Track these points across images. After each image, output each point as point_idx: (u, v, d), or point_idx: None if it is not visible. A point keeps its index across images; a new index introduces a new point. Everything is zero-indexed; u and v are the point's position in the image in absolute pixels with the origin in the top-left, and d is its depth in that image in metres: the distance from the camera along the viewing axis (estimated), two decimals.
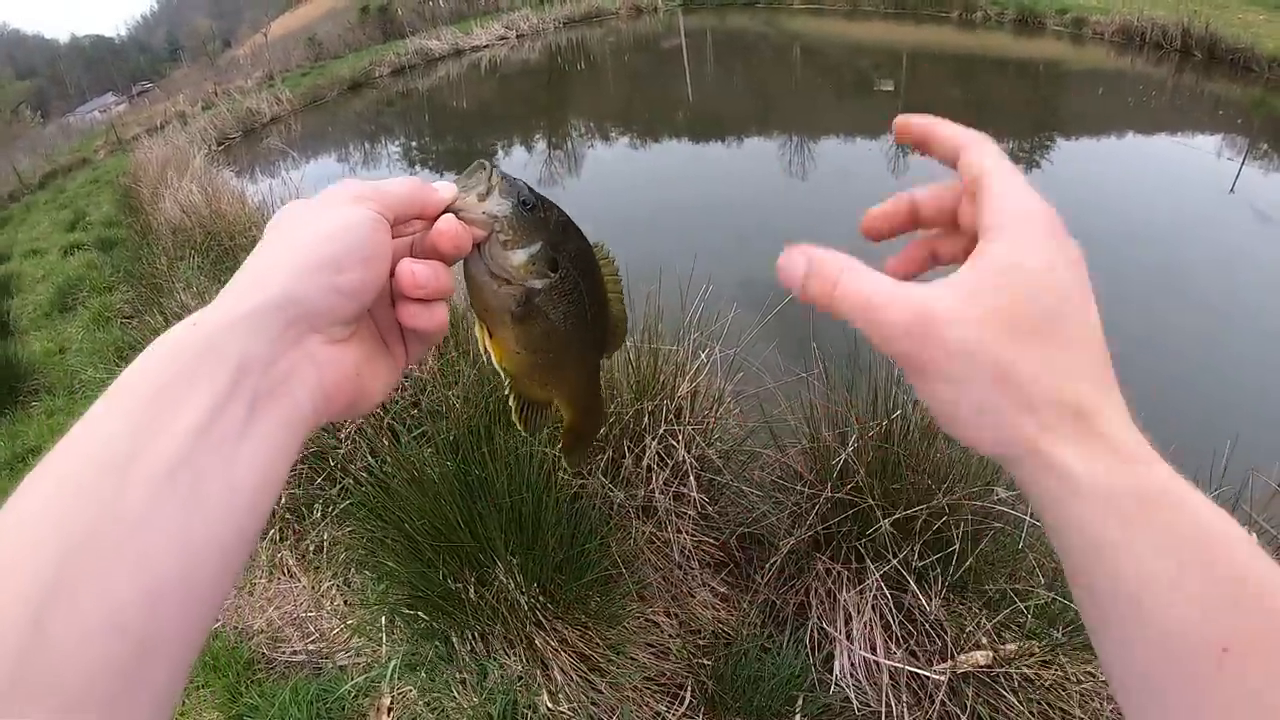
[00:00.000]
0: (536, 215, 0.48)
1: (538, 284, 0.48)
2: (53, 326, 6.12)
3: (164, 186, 7.65)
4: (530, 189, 0.48)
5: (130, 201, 9.07)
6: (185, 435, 0.32)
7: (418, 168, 12.45)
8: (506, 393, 0.54)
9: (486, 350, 0.51)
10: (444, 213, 0.45)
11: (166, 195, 7.20)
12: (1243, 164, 7.64)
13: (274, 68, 23.28)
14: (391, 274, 0.43)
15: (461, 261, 0.48)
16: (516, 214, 0.47)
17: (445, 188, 0.46)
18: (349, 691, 2.12)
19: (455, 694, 2.04)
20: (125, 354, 4.56)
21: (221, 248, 5.65)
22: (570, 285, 0.50)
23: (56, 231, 10.28)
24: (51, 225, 11.04)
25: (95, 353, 5.08)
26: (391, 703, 2.09)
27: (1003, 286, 0.34)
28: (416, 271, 0.43)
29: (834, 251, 0.38)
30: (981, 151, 0.39)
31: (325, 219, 0.40)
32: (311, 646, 2.36)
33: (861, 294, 0.36)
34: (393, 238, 0.43)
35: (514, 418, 0.55)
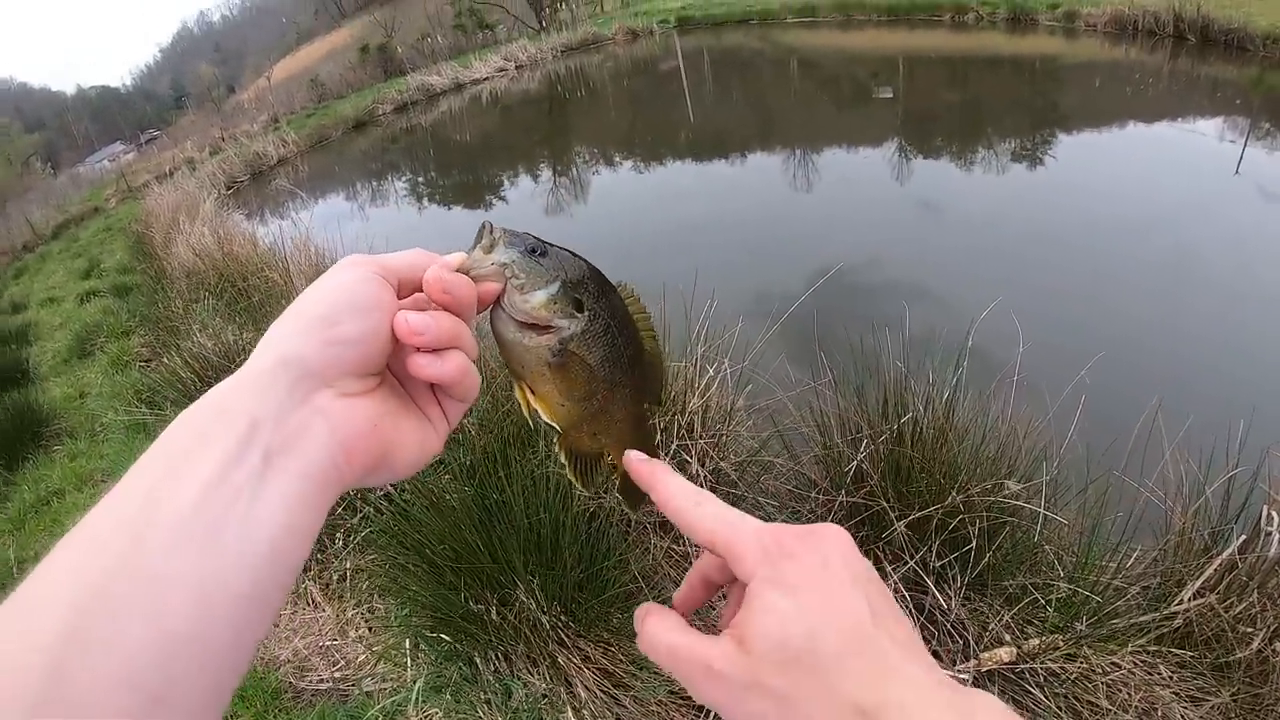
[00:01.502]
0: (546, 257, 0.48)
1: (566, 326, 0.48)
2: (72, 372, 6.21)
3: (176, 231, 7.79)
4: (535, 237, 0.49)
5: (143, 247, 9.24)
6: (197, 489, 0.34)
7: (425, 202, 12.55)
8: (558, 450, 0.54)
9: (534, 410, 0.51)
10: (455, 278, 0.46)
11: (179, 240, 7.33)
12: (1245, 145, 7.61)
13: (278, 110, 23.69)
14: None
15: (493, 331, 0.49)
16: (524, 257, 0.48)
17: (453, 256, 0.47)
18: (375, 716, 2.13)
19: (480, 714, 2.05)
20: (145, 396, 4.63)
21: (235, 289, 5.74)
22: (601, 325, 0.50)
23: (72, 279, 10.50)
24: (67, 274, 11.26)
25: (115, 396, 5.15)
26: None
27: (766, 634, 0.38)
28: (410, 319, 0.43)
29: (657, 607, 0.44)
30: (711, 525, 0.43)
31: (323, 284, 0.43)
32: (337, 674, 2.37)
33: (663, 643, 0.42)
34: (413, 307, 0.44)
35: (569, 474, 0.55)
